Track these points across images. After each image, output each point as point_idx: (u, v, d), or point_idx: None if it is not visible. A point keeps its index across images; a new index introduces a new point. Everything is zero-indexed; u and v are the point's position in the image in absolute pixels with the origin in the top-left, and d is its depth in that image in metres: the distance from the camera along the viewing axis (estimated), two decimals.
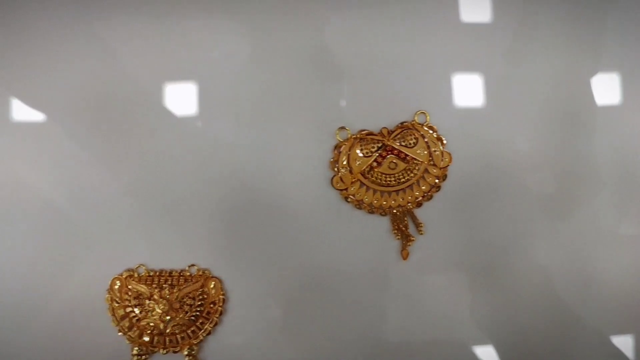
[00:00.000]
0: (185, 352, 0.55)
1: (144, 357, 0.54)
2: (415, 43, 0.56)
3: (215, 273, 0.55)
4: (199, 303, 0.54)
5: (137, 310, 0.54)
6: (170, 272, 0.55)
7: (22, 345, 0.55)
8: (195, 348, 0.55)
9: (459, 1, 0.57)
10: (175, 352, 0.55)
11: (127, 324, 0.54)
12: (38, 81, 0.56)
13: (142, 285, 0.54)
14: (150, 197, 0.55)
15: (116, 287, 0.55)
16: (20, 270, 0.55)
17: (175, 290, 0.54)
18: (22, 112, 0.56)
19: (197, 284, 0.54)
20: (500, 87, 0.56)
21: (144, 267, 0.55)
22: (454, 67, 0.56)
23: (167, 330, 0.54)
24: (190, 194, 0.55)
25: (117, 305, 0.54)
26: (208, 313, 0.55)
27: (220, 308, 0.55)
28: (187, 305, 0.54)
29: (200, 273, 0.55)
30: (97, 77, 0.56)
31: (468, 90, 0.56)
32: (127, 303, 0.54)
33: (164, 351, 0.54)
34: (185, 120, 0.56)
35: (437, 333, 0.56)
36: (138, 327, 0.54)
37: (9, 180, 0.55)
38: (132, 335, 0.54)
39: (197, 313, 0.54)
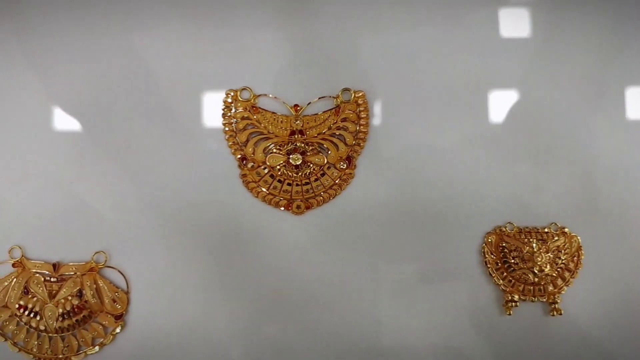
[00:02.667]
0: (550, 301, 0.61)
1: (515, 304, 0.61)
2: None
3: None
4: (564, 256, 0.61)
5: (512, 262, 0.61)
6: (537, 229, 0.62)
7: None
8: (559, 297, 0.61)
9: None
10: (541, 300, 0.61)
11: (501, 274, 0.61)
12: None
13: (517, 241, 0.61)
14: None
15: (490, 241, 0.61)
16: None
17: (545, 245, 0.61)
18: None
19: (562, 239, 0.61)
20: None
21: (512, 224, 0.62)
22: None
23: (539, 280, 0.60)
24: None
25: (492, 257, 0.61)
26: (569, 266, 0.61)
27: (580, 262, 0.62)
28: (557, 258, 0.61)
29: (560, 231, 0.62)
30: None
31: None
32: (500, 256, 0.61)
33: (534, 299, 0.61)
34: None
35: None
36: (512, 277, 0.61)
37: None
38: (506, 284, 0.61)
39: (563, 265, 0.61)
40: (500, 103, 0.62)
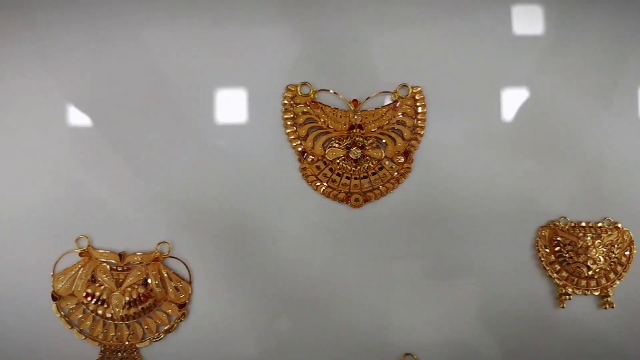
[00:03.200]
0: (603, 294, 0.62)
1: (569, 297, 0.62)
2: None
3: None
4: (617, 252, 0.62)
5: (566, 255, 0.62)
6: (589, 224, 0.63)
7: None
8: (611, 291, 0.62)
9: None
10: (593, 294, 0.62)
11: (556, 268, 0.62)
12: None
13: (571, 235, 0.62)
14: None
15: (544, 235, 0.62)
16: None
17: (600, 239, 0.62)
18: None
19: (615, 233, 0.62)
20: None
21: (565, 219, 0.63)
22: None
23: (593, 274, 0.61)
24: None
25: (546, 252, 0.62)
26: (621, 260, 0.62)
27: (632, 257, 0.63)
28: (610, 252, 0.62)
29: (613, 226, 0.63)
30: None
31: None
32: (555, 250, 0.62)
33: (588, 292, 0.62)
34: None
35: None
36: (566, 271, 0.62)
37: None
38: (560, 278, 0.62)
39: (615, 260, 0.62)
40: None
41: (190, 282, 0.61)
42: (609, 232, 0.62)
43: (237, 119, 0.62)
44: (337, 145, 0.61)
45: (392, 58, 0.62)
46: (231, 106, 0.61)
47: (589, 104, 0.63)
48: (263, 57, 0.61)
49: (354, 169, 0.61)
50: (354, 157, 0.61)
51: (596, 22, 0.62)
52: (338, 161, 0.61)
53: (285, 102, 0.61)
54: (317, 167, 0.61)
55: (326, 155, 0.61)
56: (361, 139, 0.61)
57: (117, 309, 0.59)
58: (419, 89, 0.61)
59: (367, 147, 0.61)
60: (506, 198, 0.63)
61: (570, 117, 0.63)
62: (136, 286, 0.60)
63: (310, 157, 0.61)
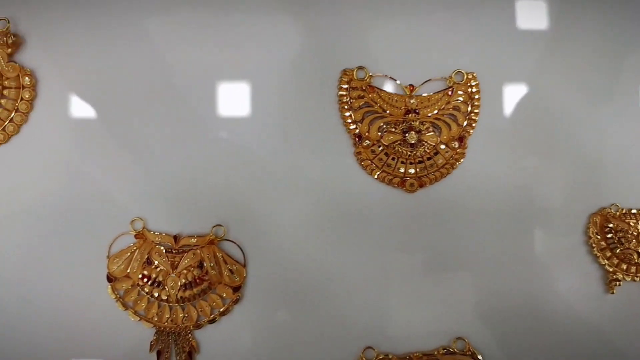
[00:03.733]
0: None
1: (619, 283, 0.63)
2: None
3: None
4: None
5: (617, 242, 0.63)
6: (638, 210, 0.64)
7: None
8: None
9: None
10: None
11: (607, 254, 0.63)
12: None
13: (622, 221, 0.62)
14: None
15: (596, 221, 0.63)
16: None
17: None
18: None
19: None
20: None
21: (617, 206, 0.63)
22: None
23: None
24: None
25: (598, 238, 0.63)
26: None
27: None
28: None
29: None
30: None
31: None
32: (606, 236, 0.63)
33: (637, 278, 0.63)
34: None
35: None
36: (616, 256, 0.63)
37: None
38: (610, 264, 0.62)
39: None
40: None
41: (244, 265, 0.61)
42: None
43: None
44: (393, 129, 0.61)
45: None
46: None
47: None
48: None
49: (409, 153, 0.61)
50: (410, 142, 0.61)
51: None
52: (394, 146, 0.61)
53: (343, 86, 0.61)
54: (372, 151, 0.61)
55: (382, 140, 0.61)
56: (417, 123, 0.61)
57: (173, 291, 0.59)
58: (473, 75, 0.62)
59: (424, 132, 0.61)
60: (557, 186, 0.63)
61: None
62: (192, 268, 0.59)
63: (366, 141, 0.61)
